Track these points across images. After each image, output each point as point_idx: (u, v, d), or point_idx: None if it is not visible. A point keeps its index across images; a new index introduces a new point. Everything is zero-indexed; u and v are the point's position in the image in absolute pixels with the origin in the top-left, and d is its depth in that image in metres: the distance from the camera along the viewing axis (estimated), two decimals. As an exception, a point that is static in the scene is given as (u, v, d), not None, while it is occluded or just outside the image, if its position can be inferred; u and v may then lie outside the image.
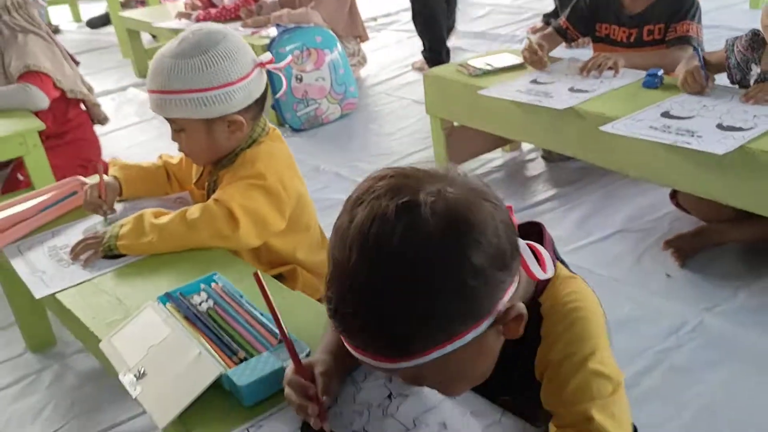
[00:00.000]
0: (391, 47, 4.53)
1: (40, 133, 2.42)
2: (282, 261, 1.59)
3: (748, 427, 1.45)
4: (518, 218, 0.85)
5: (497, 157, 2.80)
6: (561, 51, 2.67)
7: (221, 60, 1.43)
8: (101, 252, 1.46)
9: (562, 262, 0.96)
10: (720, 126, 1.79)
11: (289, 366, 0.97)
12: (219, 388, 1.04)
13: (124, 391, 1.70)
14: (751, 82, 2.01)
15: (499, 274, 0.76)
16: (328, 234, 1.53)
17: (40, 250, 1.55)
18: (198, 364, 1.08)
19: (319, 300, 1.31)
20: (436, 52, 3.76)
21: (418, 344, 0.74)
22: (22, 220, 1.63)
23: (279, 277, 1.53)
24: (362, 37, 3.99)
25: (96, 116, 2.87)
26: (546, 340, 0.86)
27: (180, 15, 4.03)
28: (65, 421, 1.71)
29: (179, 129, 1.49)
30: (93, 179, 1.66)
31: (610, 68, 2.24)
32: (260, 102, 1.53)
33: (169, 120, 1.49)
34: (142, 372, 1.12)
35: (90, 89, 2.84)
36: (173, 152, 1.72)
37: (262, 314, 1.17)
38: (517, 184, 2.61)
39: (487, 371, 0.85)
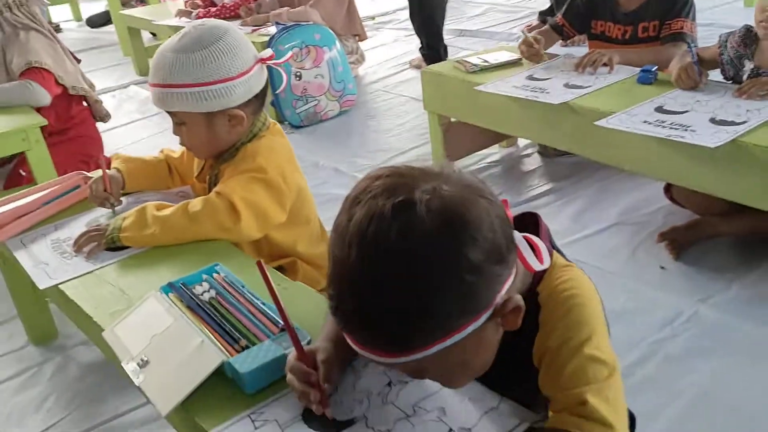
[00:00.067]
0: (389, 45, 4.55)
1: (43, 129, 2.44)
2: (282, 253, 1.61)
3: (742, 415, 1.47)
4: (514, 212, 0.87)
5: (494, 152, 2.83)
6: (557, 49, 2.70)
7: (222, 55, 1.45)
8: (104, 244, 1.48)
9: (559, 251, 0.98)
10: (713, 120, 1.81)
11: (292, 353, 0.99)
12: (221, 376, 1.06)
13: (126, 382, 1.73)
14: (744, 77, 2.04)
15: (496, 268, 0.78)
16: (327, 228, 1.56)
17: (43, 243, 1.57)
18: (200, 352, 1.10)
19: (321, 291, 1.34)
20: (434, 50, 3.78)
21: (419, 339, 0.76)
22: (24, 214, 1.66)
23: (279, 270, 1.55)
24: (361, 36, 4.01)
25: (98, 113, 2.89)
26: (544, 327, 0.88)
27: (180, 13, 4.05)
28: (67, 412, 1.72)
29: (180, 123, 1.51)
30: (96, 174, 1.68)
31: (605, 64, 2.27)
32: (261, 97, 1.55)
33: (170, 113, 1.51)
34: (145, 360, 1.14)
35: (91, 86, 2.87)
36: (174, 148, 1.74)
37: (263, 303, 1.19)
38: (514, 179, 2.63)
39: (487, 362, 0.87)
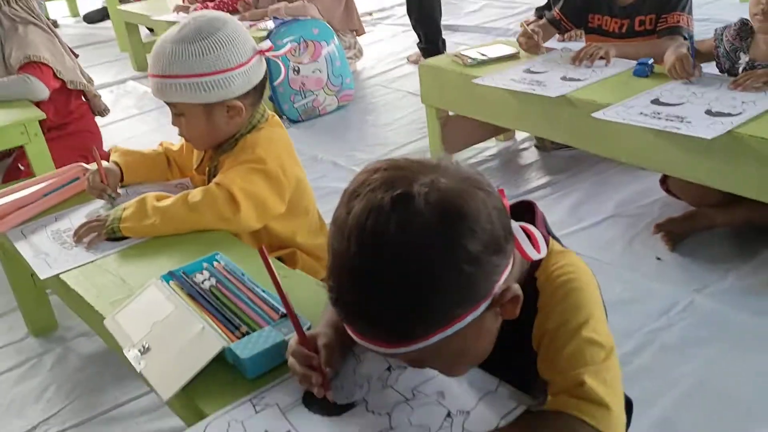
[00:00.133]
0: (387, 41, 4.56)
1: (42, 124, 2.45)
2: (282, 244, 1.62)
3: (736, 403, 1.49)
4: (511, 204, 0.87)
5: (491, 146, 2.84)
6: (553, 44, 2.71)
7: (221, 46, 1.46)
8: (104, 234, 1.48)
9: (555, 237, 1.00)
10: (709, 112, 1.83)
11: (293, 338, 1.00)
12: (222, 362, 1.07)
13: (126, 372, 1.76)
14: (740, 70, 2.06)
15: (494, 259, 0.79)
16: (326, 220, 1.57)
17: (44, 234, 1.58)
18: (201, 339, 1.11)
19: (322, 280, 1.35)
20: (432, 44, 3.79)
21: (419, 330, 0.78)
22: (24, 205, 1.66)
23: (279, 261, 1.56)
24: (358, 31, 4.02)
25: (96, 107, 2.89)
26: (542, 311, 0.89)
27: (178, 8, 4.05)
28: (68, 402, 1.73)
29: (179, 113, 1.52)
30: (94, 166, 1.69)
31: (601, 58, 2.28)
32: (259, 88, 1.56)
33: (169, 104, 1.52)
34: (146, 347, 1.15)
35: (90, 80, 2.87)
36: (174, 142, 1.75)
37: (264, 291, 1.20)
38: (511, 172, 2.65)
39: (487, 351, 0.89)
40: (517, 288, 0.83)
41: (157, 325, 1.18)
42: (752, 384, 1.53)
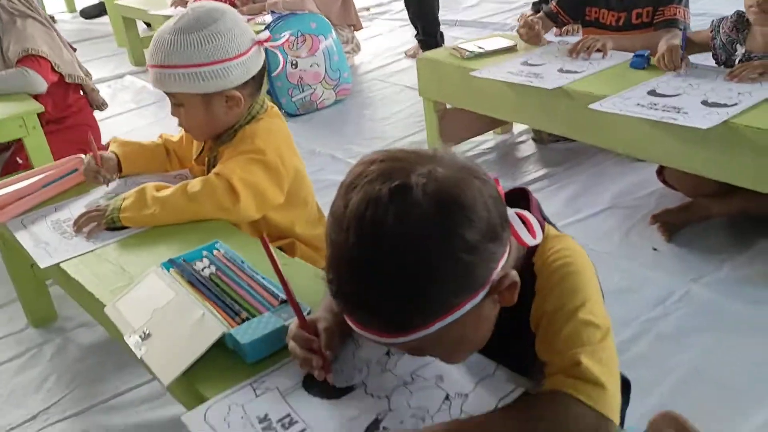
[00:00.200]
0: (384, 36, 4.56)
1: (41, 118, 2.45)
2: (280, 234, 1.63)
3: (731, 390, 1.50)
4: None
5: (489, 139, 2.85)
6: (551, 38, 2.72)
7: (219, 36, 1.46)
8: (104, 224, 1.49)
9: (550, 222, 1.01)
10: (705, 102, 1.84)
11: (293, 322, 1.01)
12: (222, 348, 1.08)
13: (126, 362, 1.77)
14: (736, 62, 2.07)
15: (491, 246, 0.80)
16: (325, 212, 1.58)
17: (43, 224, 1.59)
18: (202, 325, 1.12)
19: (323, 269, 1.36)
20: (430, 36, 3.80)
21: (418, 319, 0.78)
22: (24, 196, 1.67)
23: (278, 250, 1.57)
24: (356, 26, 4.03)
25: (94, 101, 2.89)
26: (539, 294, 0.90)
27: (176, 2, 4.04)
28: (68, 391, 1.74)
29: (178, 104, 1.53)
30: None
31: (598, 50, 2.29)
32: (258, 79, 1.57)
33: (168, 94, 1.53)
34: (147, 333, 1.16)
35: (88, 74, 2.87)
36: (173, 134, 1.76)
37: (263, 278, 1.21)
38: (509, 165, 2.66)
39: (485, 337, 0.89)
40: (514, 275, 0.84)
41: (157, 311, 1.18)
42: (747, 372, 1.54)
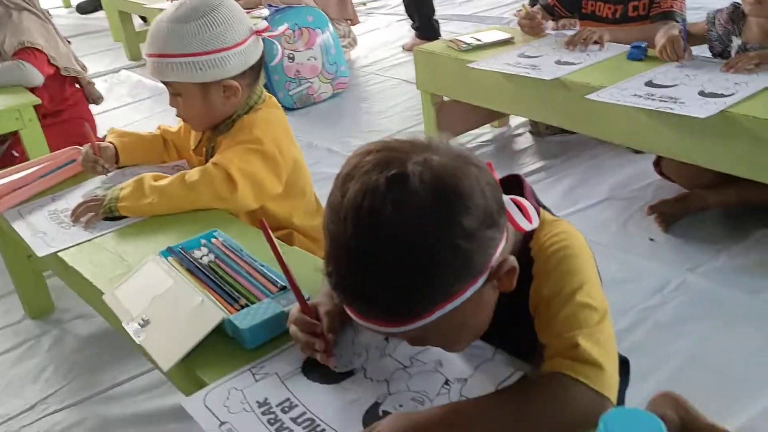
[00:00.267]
0: (381, 30, 4.56)
1: (37, 111, 2.45)
2: (278, 225, 1.63)
3: (727, 377, 1.51)
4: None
5: (486, 132, 2.85)
6: (548, 32, 2.71)
7: (217, 25, 1.46)
8: (102, 214, 1.49)
9: (545, 208, 1.01)
10: (702, 93, 1.84)
11: (295, 307, 1.01)
12: (221, 335, 1.08)
13: (124, 353, 1.77)
14: (732, 53, 2.07)
15: (489, 233, 0.80)
16: (322, 204, 1.58)
17: (41, 214, 1.58)
18: (201, 311, 1.12)
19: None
20: (426, 22, 3.81)
21: (419, 307, 0.78)
22: (20, 186, 1.67)
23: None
24: (353, 20, 4.02)
25: (90, 95, 2.89)
26: (537, 278, 0.91)
27: (171, -5, 4.04)
28: (66, 382, 1.74)
29: (176, 93, 1.53)
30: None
31: (595, 42, 2.30)
32: (256, 69, 1.56)
33: (166, 84, 1.53)
34: (146, 320, 1.16)
35: (84, 68, 2.87)
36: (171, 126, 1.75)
37: (262, 265, 1.21)
38: (506, 157, 2.66)
39: (485, 325, 0.90)
40: (513, 260, 0.84)
41: (156, 299, 1.18)
42: (743, 360, 1.55)
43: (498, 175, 0.89)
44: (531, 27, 2.46)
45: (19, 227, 1.54)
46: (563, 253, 0.91)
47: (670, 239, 2.00)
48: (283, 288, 1.14)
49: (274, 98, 1.65)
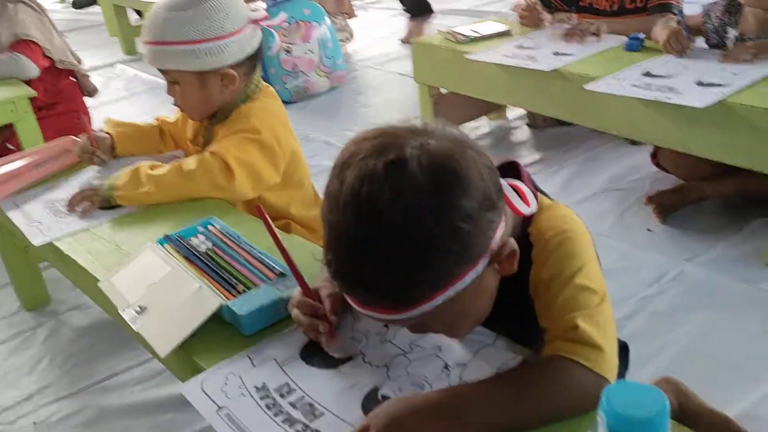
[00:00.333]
0: (377, 24, 4.55)
1: (32, 104, 2.43)
2: (276, 215, 1.62)
3: (725, 365, 1.51)
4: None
5: (483, 124, 2.85)
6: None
7: (215, 13, 1.45)
8: (98, 203, 1.48)
9: (543, 192, 1.01)
10: (700, 83, 1.84)
11: (296, 290, 1.01)
12: (219, 321, 1.07)
13: (120, 344, 1.76)
14: (729, 45, 2.07)
15: (488, 215, 0.79)
16: (320, 195, 1.57)
17: (36, 204, 1.57)
18: (198, 297, 1.11)
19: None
20: (415, 1, 3.81)
21: (421, 293, 0.78)
22: (15, 177, 1.65)
23: (274, 230, 1.56)
24: (350, 14, 4.02)
25: (85, 87, 2.87)
26: (536, 262, 0.90)
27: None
28: (61, 373, 1.74)
29: (174, 82, 1.52)
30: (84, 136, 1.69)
31: (593, 34, 2.29)
32: (254, 58, 1.56)
33: (163, 72, 1.52)
34: (142, 307, 1.15)
35: (79, 61, 2.85)
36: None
37: (260, 252, 1.21)
38: (503, 149, 2.66)
39: (487, 310, 0.89)
40: (513, 243, 0.84)
41: (153, 285, 1.18)
42: (741, 348, 1.55)
43: (495, 163, 0.88)
44: (531, 19, 2.45)
45: (15, 216, 1.53)
46: (562, 237, 0.91)
47: (667, 230, 2.00)
48: (282, 274, 1.14)
49: (271, 88, 1.64)
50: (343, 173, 0.78)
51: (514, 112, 2.87)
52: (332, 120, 3.15)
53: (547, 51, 2.25)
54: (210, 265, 1.20)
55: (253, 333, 1.05)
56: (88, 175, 1.65)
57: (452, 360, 0.94)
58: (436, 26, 3.98)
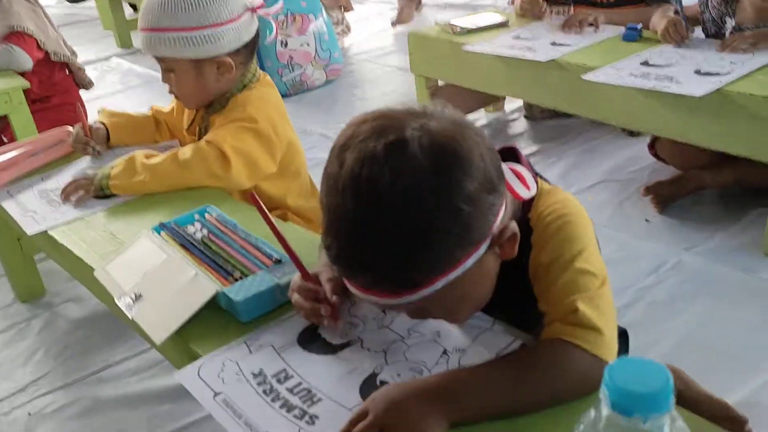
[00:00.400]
0: (374, 18, 4.54)
1: (27, 96, 2.42)
2: (272, 205, 1.61)
3: (722, 354, 1.51)
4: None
5: (481, 117, 2.84)
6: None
7: (211, 0, 1.44)
8: (93, 192, 1.47)
9: (542, 177, 1.00)
10: (698, 72, 1.84)
11: (296, 276, 1.00)
12: (216, 308, 1.06)
13: (116, 335, 1.75)
14: (726, 35, 2.07)
15: (489, 198, 0.78)
16: (317, 186, 1.56)
17: (30, 193, 1.56)
18: (195, 284, 1.10)
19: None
20: None
21: (422, 276, 0.77)
22: (9, 166, 1.64)
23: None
24: (346, 7, 4.00)
25: (80, 80, 2.85)
26: (536, 246, 0.90)
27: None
28: (56, 364, 1.72)
29: (169, 70, 1.50)
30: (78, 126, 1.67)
31: (590, 24, 2.29)
32: (251, 47, 1.54)
33: (158, 60, 1.50)
34: (138, 295, 1.14)
35: (73, 53, 2.83)
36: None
37: (257, 239, 1.20)
38: (501, 141, 2.65)
39: (488, 295, 0.88)
40: (514, 226, 0.83)
41: (148, 273, 1.17)
42: (738, 336, 1.55)
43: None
44: (533, 9, 2.44)
45: (9, 206, 1.52)
46: (562, 221, 0.90)
47: (665, 220, 2.00)
48: (278, 261, 1.13)
49: (268, 77, 1.63)
50: (342, 155, 0.77)
51: (511, 104, 2.86)
52: (328, 113, 3.14)
53: (544, 42, 2.25)
54: (206, 253, 1.19)
55: (249, 320, 1.04)
56: (83, 165, 1.64)
57: (451, 345, 0.94)
58: (431, 18, 3.96)
